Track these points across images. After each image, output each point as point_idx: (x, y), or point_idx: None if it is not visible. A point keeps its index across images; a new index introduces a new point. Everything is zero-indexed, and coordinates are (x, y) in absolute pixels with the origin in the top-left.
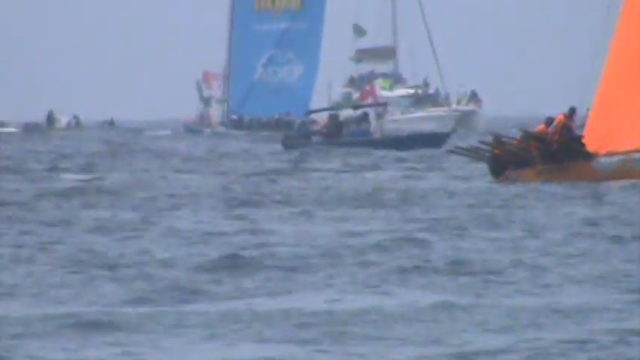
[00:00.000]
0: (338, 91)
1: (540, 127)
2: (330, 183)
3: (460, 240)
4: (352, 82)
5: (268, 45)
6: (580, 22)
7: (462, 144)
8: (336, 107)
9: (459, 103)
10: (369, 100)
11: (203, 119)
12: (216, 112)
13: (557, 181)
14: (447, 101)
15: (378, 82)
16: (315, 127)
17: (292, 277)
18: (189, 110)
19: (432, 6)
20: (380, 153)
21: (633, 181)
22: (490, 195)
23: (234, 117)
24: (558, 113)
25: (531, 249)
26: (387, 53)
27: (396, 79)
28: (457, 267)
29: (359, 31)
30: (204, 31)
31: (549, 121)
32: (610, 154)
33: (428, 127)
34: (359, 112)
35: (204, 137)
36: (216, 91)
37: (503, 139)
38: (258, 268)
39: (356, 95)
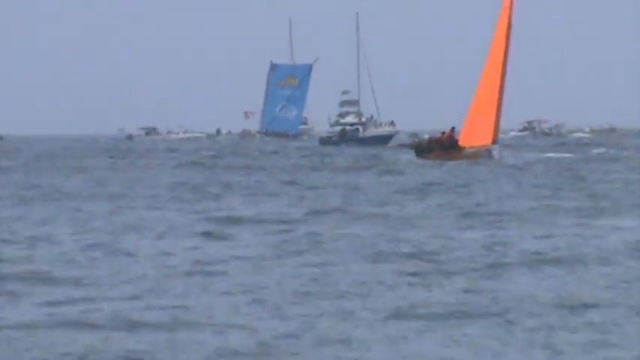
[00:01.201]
0: (333, 119)
1: (439, 135)
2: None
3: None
4: (340, 114)
5: (282, 101)
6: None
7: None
8: (343, 125)
9: (385, 126)
10: (359, 122)
11: (244, 132)
12: (253, 129)
13: (445, 160)
14: (380, 125)
15: (352, 116)
16: (332, 135)
17: None
18: (233, 126)
19: (379, 73)
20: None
21: (480, 159)
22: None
23: (263, 131)
24: (447, 127)
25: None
26: (355, 102)
27: (359, 114)
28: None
29: (344, 92)
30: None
31: (443, 133)
32: (470, 147)
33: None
34: (354, 127)
35: (262, 141)
36: (251, 120)
37: (419, 140)
38: None
39: (342, 120)
